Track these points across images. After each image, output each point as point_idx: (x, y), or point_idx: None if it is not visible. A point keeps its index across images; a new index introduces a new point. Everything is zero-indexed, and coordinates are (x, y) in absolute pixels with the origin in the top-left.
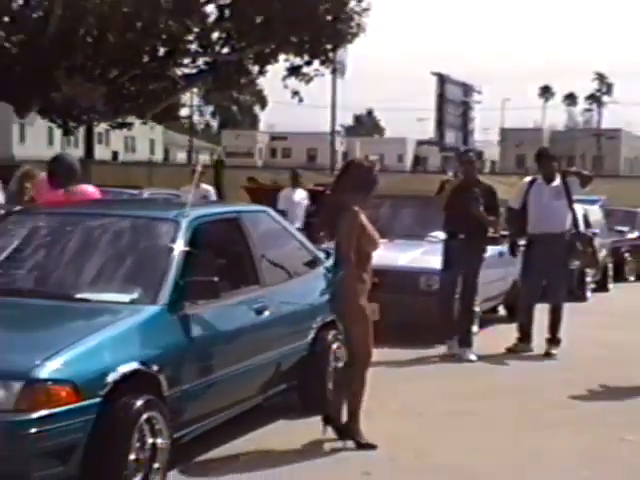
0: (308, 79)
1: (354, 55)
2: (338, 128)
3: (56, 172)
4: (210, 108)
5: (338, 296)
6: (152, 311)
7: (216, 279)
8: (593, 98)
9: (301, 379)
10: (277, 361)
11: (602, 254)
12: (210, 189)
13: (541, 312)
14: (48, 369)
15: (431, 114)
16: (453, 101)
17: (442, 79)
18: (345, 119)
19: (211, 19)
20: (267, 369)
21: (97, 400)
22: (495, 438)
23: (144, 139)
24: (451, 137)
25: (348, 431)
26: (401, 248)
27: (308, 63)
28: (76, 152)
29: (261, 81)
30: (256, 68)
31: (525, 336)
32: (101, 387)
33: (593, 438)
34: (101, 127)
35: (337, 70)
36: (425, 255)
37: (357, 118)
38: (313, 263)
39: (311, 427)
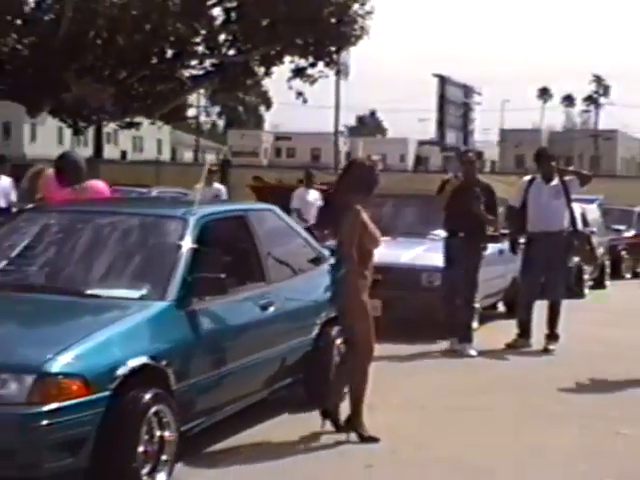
0: (312, 80)
1: (358, 57)
2: (341, 128)
3: (63, 170)
4: (216, 108)
5: (340, 292)
6: (161, 307)
7: (223, 276)
8: (590, 100)
9: (306, 373)
10: (282, 356)
11: (599, 252)
12: (222, 188)
13: (540, 308)
14: (59, 363)
15: (432, 115)
16: (454, 102)
17: (443, 81)
18: (348, 120)
19: (218, 22)
20: (272, 364)
21: (107, 394)
22: (495, 432)
23: (152, 139)
24: (452, 137)
25: (350, 424)
26: (403, 246)
27: (312, 65)
28: (85, 151)
29: (266, 82)
30: (262, 70)
31: (524, 332)
32: (111, 381)
33: (590, 432)
34: (110, 127)
35: (341, 72)
36: (427, 253)
37: (360, 119)
38: (317, 260)
39: (315, 420)
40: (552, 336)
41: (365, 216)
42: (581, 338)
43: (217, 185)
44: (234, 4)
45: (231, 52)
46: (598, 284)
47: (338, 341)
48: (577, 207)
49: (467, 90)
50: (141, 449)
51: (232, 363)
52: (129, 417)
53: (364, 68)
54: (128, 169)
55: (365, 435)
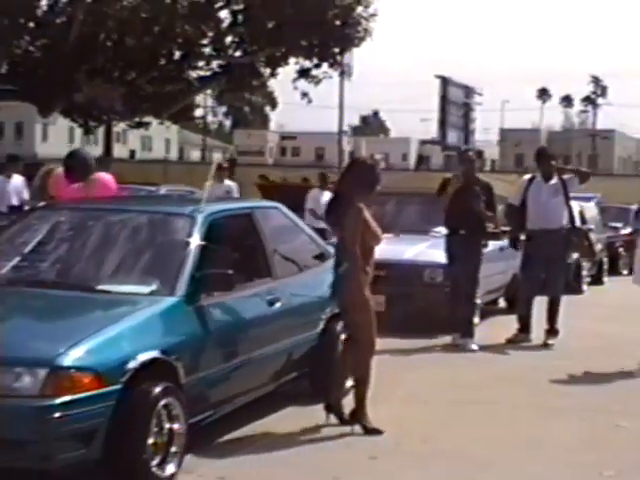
0: (317, 81)
1: (361, 58)
2: (345, 128)
3: (72, 167)
4: (223, 109)
5: (343, 288)
6: (170, 302)
7: (230, 272)
8: (588, 100)
9: (311, 367)
10: (288, 350)
11: (597, 248)
12: (232, 185)
13: (540, 304)
14: (72, 357)
15: (434, 115)
16: (455, 103)
17: (445, 82)
18: (352, 119)
19: (225, 24)
20: (279, 358)
21: (118, 387)
22: (496, 425)
23: (160, 138)
24: (453, 137)
25: (355, 417)
26: (406, 242)
27: (317, 66)
28: (95, 150)
29: (272, 83)
30: (267, 71)
31: (524, 327)
32: (121, 374)
33: (590, 425)
34: (119, 127)
35: (345, 73)
36: (430, 249)
37: (363, 118)
38: (322, 257)
39: (320, 413)
40: (552, 331)
41: (367, 213)
42: (580, 333)
43: (228, 182)
44: (241, 7)
45: (237, 53)
46: (596, 280)
47: (342, 336)
48: (575, 205)
49: (468, 91)
50: (151, 441)
51: (239, 357)
52: (139, 410)
53: (367, 69)
54: (137, 168)
55: (369, 427)
